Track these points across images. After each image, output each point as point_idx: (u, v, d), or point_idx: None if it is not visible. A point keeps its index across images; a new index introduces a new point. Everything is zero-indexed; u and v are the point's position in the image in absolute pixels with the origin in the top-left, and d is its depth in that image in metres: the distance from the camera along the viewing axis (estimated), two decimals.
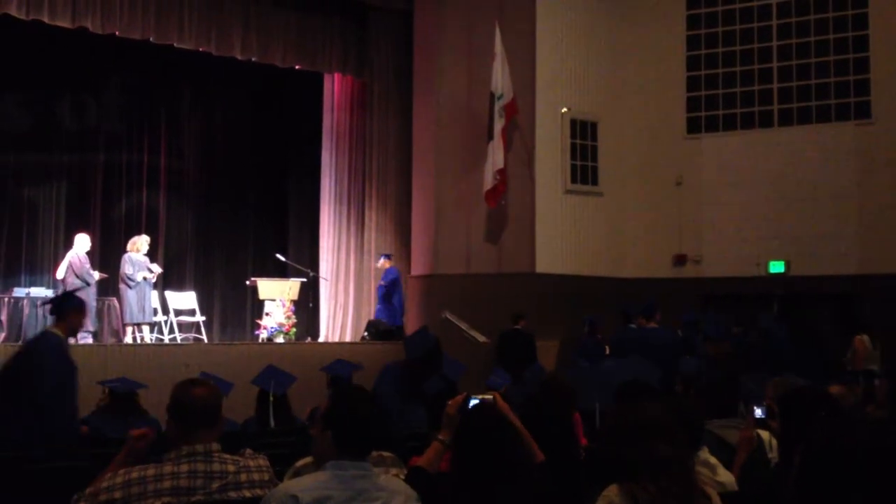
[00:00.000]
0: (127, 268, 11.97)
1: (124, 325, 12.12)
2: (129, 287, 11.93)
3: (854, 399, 4.71)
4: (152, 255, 12.60)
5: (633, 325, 10.88)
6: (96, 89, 13.78)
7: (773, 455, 4.24)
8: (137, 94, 14.11)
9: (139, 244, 12.21)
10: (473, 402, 3.77)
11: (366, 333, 13.62)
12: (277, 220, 15.28)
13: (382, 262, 13.87)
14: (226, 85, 14.46)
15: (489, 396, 3.83)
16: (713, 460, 3.74)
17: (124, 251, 12.25)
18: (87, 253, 11.78)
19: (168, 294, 12.97)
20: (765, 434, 4.37)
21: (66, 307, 6.12)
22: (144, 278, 12.06)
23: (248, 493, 3.30)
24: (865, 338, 8.74)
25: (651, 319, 10.91)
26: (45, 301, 9.38)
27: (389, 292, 13.62)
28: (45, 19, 11.88)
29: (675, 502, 2.75)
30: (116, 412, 5.87)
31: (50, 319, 11.75)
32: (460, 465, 3.43)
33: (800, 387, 3.87)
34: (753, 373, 7.17)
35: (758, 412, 4.18)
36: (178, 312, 13.02)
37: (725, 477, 3.65)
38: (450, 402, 3.85)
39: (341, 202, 14.87)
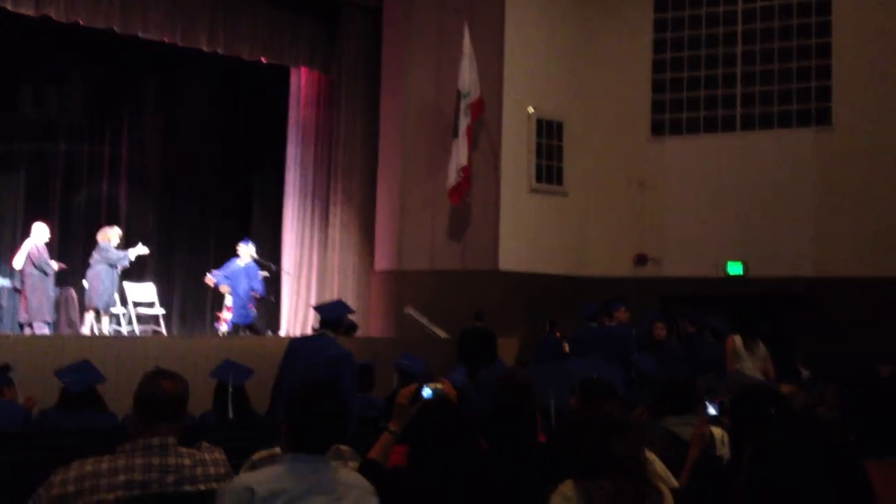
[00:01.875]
0: (113, 252, 11.94)
1: (85, 310, 11.99)
2: (123, 267, 12.03)
3: (804, 399, 4.80)
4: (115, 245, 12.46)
5: (593, 324, 10.95)
6: (59, 79, 13.60)
7: (725, 451, 4.31)
8: (100, 85, 13.95)
9: (110, 235, 12.09)
10: (426, 392, 3.78)
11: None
12: (240, 214, 15.17)
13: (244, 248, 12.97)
14: (191, 77, 14.33)
15: (439, 386, 3.85)
16: (651, 456, 3.80)
17: (86, 241, 12.13)
18: (46, 243, 11.63)
19: (127, 285, 12.83)
20: (717, 431, 4.44)
21: None
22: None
23: (203, 487, 3.29)
24: (738, 339, 8.80)
25: (612, 318, 11.00)
26: None
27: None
28: (9, 6, 11.71)
29: (629, 499, 2.79)
30: (74, 405, 5.79)
31: (7, 306, 11.72)
32: (418, 460, 3.45)
33: (752, 385, 3.94)
34: (709, 372, 7.28)
35: (711, 409, 4.25)
36: (136, 304, 12.88)
37: (663, 471, 3.71)
38: (401, 393, 3.86)
39: (305, 197, 14.82)
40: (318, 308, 7.24)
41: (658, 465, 3.73)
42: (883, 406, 3.03)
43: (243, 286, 12.58)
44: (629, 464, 2.89)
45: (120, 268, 12.18)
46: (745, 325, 9.09)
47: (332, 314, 6.57)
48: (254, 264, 12.76)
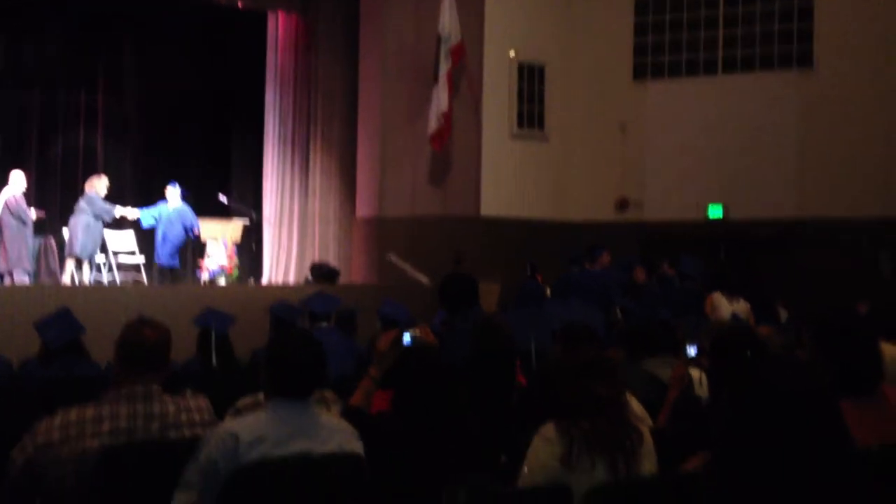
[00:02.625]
0: (99, 203, 11.81)
1: (66, 259, 11.92)
2: (105, 223, 11.91)
3: (782, 341, 4.85)
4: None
5: (575, 269, 11.01)
6: (34, 26, 13.34)
7: (704, 392, 4.37)
8: (75, 32, 13.68)
9: (97, 185, 11.96)
10: (406, 338, 3.81)
11: (309, 276, 13.58)
12: (220, 161, 15.02)
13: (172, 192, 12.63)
14: (167, 24, 14.07)
15: (418, 332, 3.88)
16: (629, 397, 3.85)
17: (63, 190, 12.01)
18: (24, 192, 11.52)
19: (107, 233, 12.72)
20: (696, 372, 4.50)
21: None
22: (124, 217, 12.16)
23: (188, 433, 3.31)
24: (717, 296, 8.64)
25: (595, 263, 11.05)
26: None
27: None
28: None
29: (609, 439, 2.83)
30: (56, 356, 5.78)
31: None
32: (401, 405, 3.48)
33: (730, 327, 3.99)
34: (690, 314, 7.35)
35: (690, 351, 4.30)
36: (116, 253, 12.81)
37: (639, 409, 3.77)
38: (381, 338, 3.89)
39: (285, 144, 14.69)
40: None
41: (635, 405, 3.78)
42: (854, 345, 3.07)
43: (175, 230, 12.35)
44: (609, 406, 2.93)
45: (105, 220, 12.06)
46: (725, 281, 9.11)
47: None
48: (186, 206, 12.54)
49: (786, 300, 10.41)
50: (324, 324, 6.77)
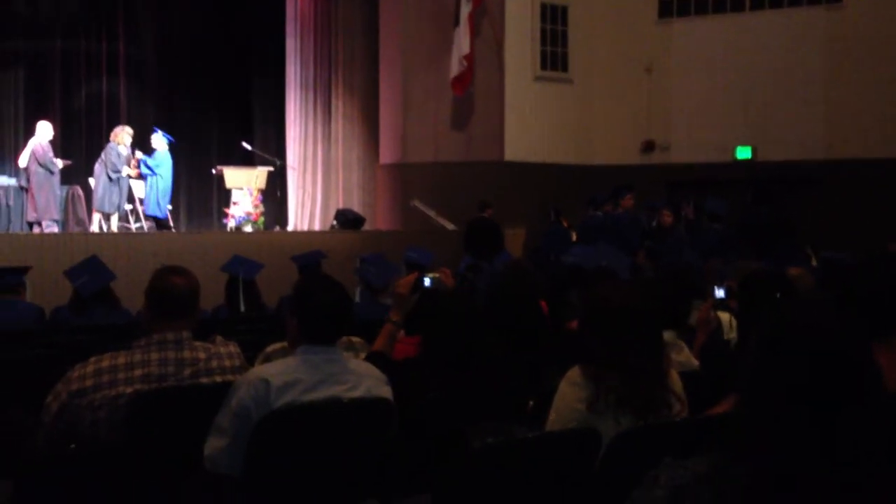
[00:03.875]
0: (113, 156, 11.78)
1: (92, 212, 12.01)
2: (111, 179, 11.77)
3: (812, 282, 4.81)
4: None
5: (599, 213, 10.95)
6: None
7: (733, 335, 4.35)
8: None
9: (121, 137, 11.97)
10: (426, 282, 3.80)
11: (335, 222, 13.61)
12: (242, 109, 15.02)
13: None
14: None
15: (437, 275, 3.88)
16: (679, 342, 3.81)
17: (87, 139, 12.04)
18: (50, 141, 11.57)
19: (132, 183, 12.80)
20: (725, 315, 4.47)
21: None
22: (129, 175, 11.90)
23: (219, 379, 3.34)
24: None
25: (618, 205, 10.99)
26: None
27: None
28: None
29: (637, 390, 2.78)
30: (87, 304, 5.84)
31: (13, 205, 11.72)
32: (429, 351, 3.50)
33: (759, 269, 3.94)
34: (717, 257, 7.30)
35: (718, 293, 4.27)
36: (143, 201, 12.88)
37: (687, 357, 3.74)
38: (400, 283, 3.88)
39: (307, 90, 14.63)
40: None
41: (685, 351, 3.72)
42: (880, 285, 3.01)
43: (166, 179, 12.20)
44: (641, 350, 2.82)
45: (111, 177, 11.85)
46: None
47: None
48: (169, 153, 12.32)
49: (815, 241, 10.32)
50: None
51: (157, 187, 12.17)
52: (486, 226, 11.91)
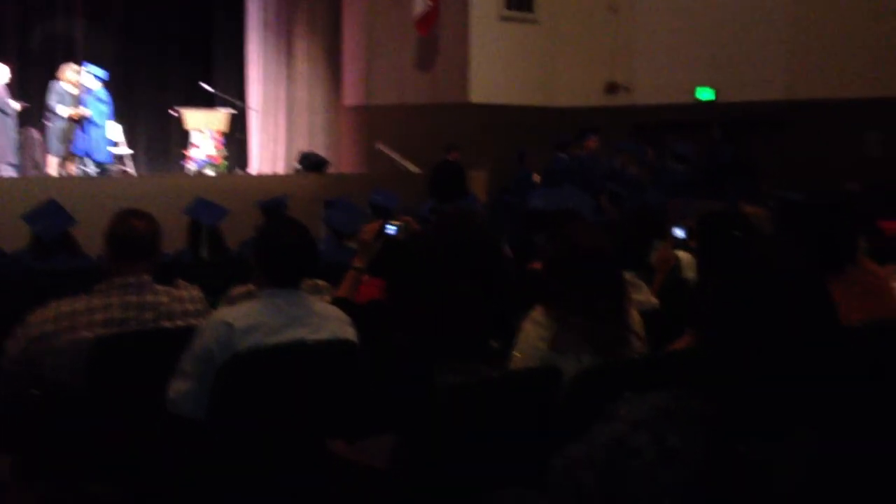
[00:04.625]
0: (51, 98, 11.48)
1: (46, 156, 11.77)
2: (47, 121, 11.50)
3: (768, 220, 4.85)
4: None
5: (563, 155, 10.95)
6: None
7: (692, 274, 4.40)
8: None
9: (66, 74, 11.64)
10: (390, 229, 3.80)
11: (298, 165, 13.50)
12: (201, 48, 14.70)
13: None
14: None
15: (401, 222, 3.88)
16: (639, 281, 3.85)
17: (45, 81, 11.75)
18: (6, 84, 11.28)
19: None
20: (684, 255, 4.52)
21: None
22: (71, 118, 11.45)
23: (181, 323, 3.34)
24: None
25: (583, 148, 11.00)
26: None
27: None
28: None
29: (600, 329, 2.82)
30: (47, 249, 5.76)
31: None
32: (391, 295, 3.50)
33: (717, 208, 3.98)
34: (678, 197, 7.34)
35: (678, 233, 4.30)
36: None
37: (646, 296, 3.79)
38: (364, 228, 3.88)
39: (268, 29, 14.37)
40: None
41: (644, 290, 3.76)
42: (828, 221, 3.07)
43: (98, 121, 11.67)
44: (604, 289, 2.85)
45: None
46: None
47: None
48: (104, 90, 11.87)
49: (776, 181, 10.41)
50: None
51: (96, 125, 11.65)
52: (449, 169, 11.89)
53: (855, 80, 12.37)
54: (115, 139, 12.75)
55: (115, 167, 12.67)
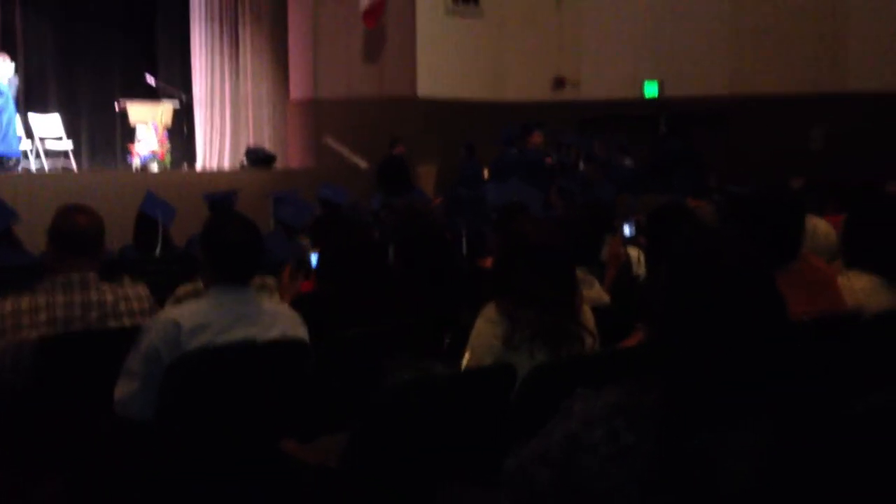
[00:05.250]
0: None
1: None
2: None
3: (712, 214, 4.90)
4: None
5: (511, 149, 10.99)
6: None
7: (642, 271, 4.45)
8: None
9: None
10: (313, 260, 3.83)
11: (244, 160, 13.35)
12: (145, 38, 14.42)
13: None
14: None
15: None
16: (590, 277, 3.87)
17: None
18: None
19: (32, 117, 12.26)
20: (633, 251, 4.56)
21: None
22: None
23: (127, 322, 3.28)
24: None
25: (527, 143, 11.04)
26: None
27: None
28: None
29: (552, 323, 2.83)
30: None
31: None
32: (342, 290, 3.49)
33: (665, 203, 4.02)
34: (629, 193, 7.41)
35: (626, 229, 4.34)
36: (43, 139, 12.37)
37: (598, 292, 3.81)
38: (282, 273, 3.87)
39: (213, 20, 14.16)
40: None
41: (596, 286, 3.78)
42: (773, 216, 3.12)
43: (9, 110, 11.08)
44: (558, 306, 2.86)
45: None
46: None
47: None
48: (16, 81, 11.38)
49: (721, 176, 10.57)
50: None
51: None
52: (394, 163, 11.91)
53: (797, 75, 12.61)
54: (57, 133, 12.47)
55: (59, 161, 12.38)
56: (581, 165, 10.58)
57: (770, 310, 1.75)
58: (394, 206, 7.37)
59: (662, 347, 1.79)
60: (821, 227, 3.57)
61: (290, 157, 14.20)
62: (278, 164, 13.33)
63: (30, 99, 12.97)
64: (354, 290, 3.43)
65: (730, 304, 1.72)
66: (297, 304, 3.42)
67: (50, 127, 12.52)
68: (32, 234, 4.89)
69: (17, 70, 11.73)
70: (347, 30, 13.49)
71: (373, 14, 13.04)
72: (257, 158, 13.04)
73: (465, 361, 2.86)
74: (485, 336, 2.83)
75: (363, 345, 3.28)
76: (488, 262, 4.18)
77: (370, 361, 3.03)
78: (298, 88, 14.23)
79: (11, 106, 11.20)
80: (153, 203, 6.07)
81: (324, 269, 3.48)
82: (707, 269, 1.76)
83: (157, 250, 5.81)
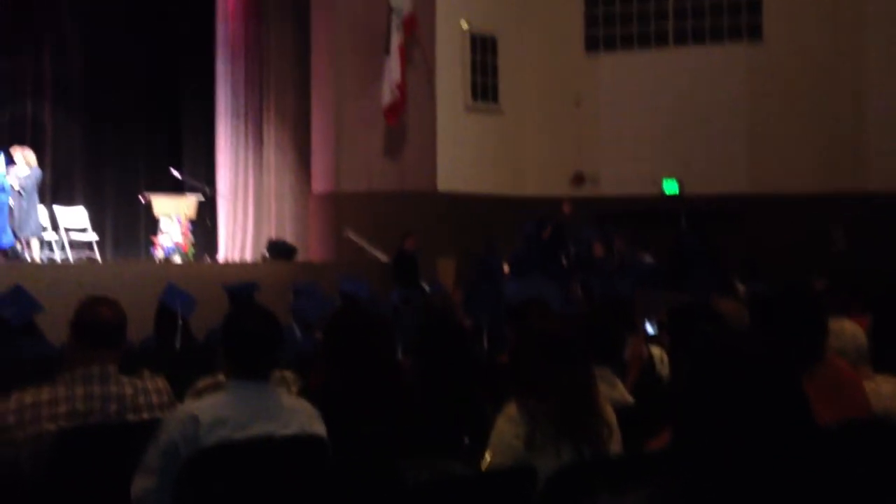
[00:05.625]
0: None
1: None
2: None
3: (745, 316, 4.85)
4: (41, 167, 12.02)
5: (530, 244, 11.02)
6: None
7: (665, 370, 4.39)
8: (19, 0, 13.32)
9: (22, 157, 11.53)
10: None
11: (266, 252, 13.45)
12: (171, 134, 14.73)
13: None
14: None
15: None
16: (613, 377, 3.83)
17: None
18: None
19: (57, 209, 12.47)
20: (656, 350, 4.51)
21: None
22: None
23: (146, 416, 3.26)
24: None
25: (541, 238, 11.08)
26: None
27: None
28: None
29: (575, 426, 2.79)
30: (9, 336, 5.65)
31: None
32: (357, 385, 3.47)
33: (687, 301, 4.00)
34: (649, 289, 7.40)
35: (649, 328, 4.31)
36: (68, 230, 12.55)
37: (621, 392, 3.76)
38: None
39: (238, 117, 14.47)
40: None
41: (619, 386, 3.73)
42: (798, 319, 3.09)
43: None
44: (576, 391, 2.84)
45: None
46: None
47: None
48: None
49: (741, 274, 10.53)
50: None
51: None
52: (403, 257, 12.04)
53: (817, 174, 12.67)
54: (82, 224, 12.64)
55: (83, 253, 12.52)
56: (600, 258, 10.58)
57: (795, 413, 1.72)
58: (412, 301, 7.38)
59: (685, 450, 1.77)
60: (847, 328, 3.52)
61: (312, 250, 14.29)
62: (299, 257, 13.41)
63: (56, 192, 13.22)
64: (359, 384, 3.41)
65: (753, 407, 1.69)
66: (308, 396, 3.40)
67: (75, 219, 12.73)
68: (55, 325, 4.91)
69: (45, 164, 11.98)
70: (369, 126, 13.74)
71: (394, 111, 13.29)
72: (279, 251, 13.14)
73: (485, 461, 2.82)
74: (506, 436, 2.79)
75: (380, 442, 3.24)
76: (504, 359, 4.17)
77: (387, 460, 2.99)
78: (320, 182, 14.43)
79: (31, 197, 11.37)
80: (173, 294, 6.10)
81: (328, 362, 3.48)
82: (729, 370, 1.74)
83: (177, 342, 5.82)
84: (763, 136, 13.24)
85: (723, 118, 13.43)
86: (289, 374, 3.90)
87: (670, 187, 13.72)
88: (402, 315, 5.99)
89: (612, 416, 2.94)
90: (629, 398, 3.75)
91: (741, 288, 9.73)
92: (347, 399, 3.35)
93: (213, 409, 2.96)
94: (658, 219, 13.08)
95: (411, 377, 3.91)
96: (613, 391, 3.60)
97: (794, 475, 1.67)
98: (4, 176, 11.19)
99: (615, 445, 2.87)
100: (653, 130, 13.81)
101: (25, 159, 11.52)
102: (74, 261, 12.25)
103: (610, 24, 14.24)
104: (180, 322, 5.84)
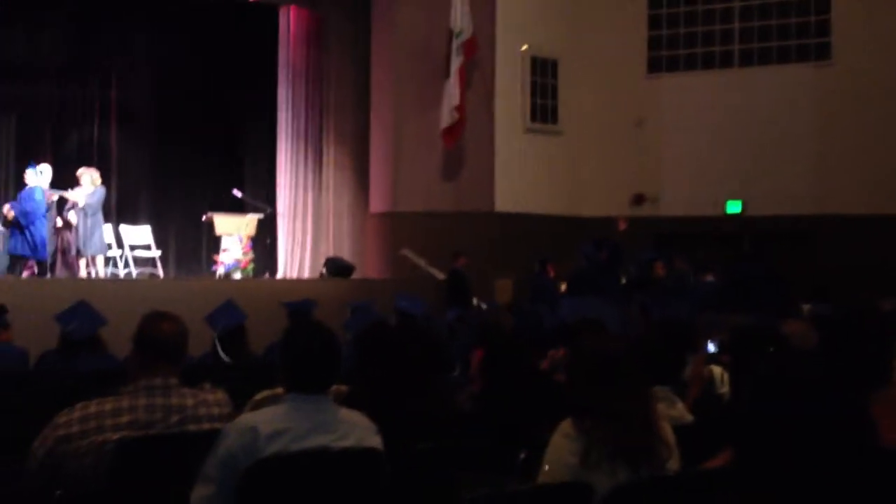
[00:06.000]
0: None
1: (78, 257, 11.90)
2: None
3: (815, 338, 4.74)
4: (107, 188, 12.35)
5: (588, 264, 10.94)
6: (45, 20, 13.39)
7: (725, 390, 4.33)
8: (87, 26, 13.72)
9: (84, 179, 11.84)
10: None
11: (324, 270, 13.58)
12: (234, 156, 15.06)
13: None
14: (179, 18, 14.10)
15: None
16: (673, 396, 3.78)
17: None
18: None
19: (123, 228, 12.79)
20: (717, 369, 4.45)
21: None
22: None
23: (207, 426, 3.30)
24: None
25: (600, 258, 10.98)
26: None
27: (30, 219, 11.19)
28: None
29: (629, 438, 2.77)
30: (75, 349, 5.79)
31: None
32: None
33: (751, 323, 3.95)
34: (711, 310, 7.29)
35: (710, 347, 4.26)
36: (133, 247, 12.85)
37: (681, 411, 3.71)
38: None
39: (298, 138, 14.70)
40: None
41: (678, 405, 3.68)
42: (864, 341, 3.02)
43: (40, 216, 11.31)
44: (631, 403, 2.81)
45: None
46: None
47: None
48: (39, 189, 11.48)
49: (806, 295, 10.32)
50: None
51: (36, 226, 11.28)
52: (455, 277, 12.13)
53: (884, 195, 12.42)
54: (145, 241, 12.93)
55: (146, 269, 12.80)
56: (660, 278, 10.46)
57: (859, 435, 1.69)
58: (466, 319, 7.39)
59: (747, 470, 1.74)
60: None
61: (368, 268, 14.41)
62: (356, 275, 13.52)
63: (122, 211, 13.56)
64: (386, 396, 3.43)
65: (816, 429, 1.66)
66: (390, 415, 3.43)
67: (140, 236, 13.03)
68: (119, 339, 5.02)
69: (111, 185, 12.30)
70: (427, 147, 13.83)
71: (452, 134, 13.37)
72: (336, 268, 13.26)
73: (540, 478, 2.80)
74: (562, 453, 2.77)
75: (437, 458, 3.24)
76: (545, 364, 4.18)
77: (444, 475, 2.99)
78: (378, 202, 14.55)
79: (96, 215, 11.67)
80: (220, 311, 6.18)
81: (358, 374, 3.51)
82: (792, 392, 1.72)
83: (225, 358, 5.89)
84: (830, 157, 13.02)
85: (789, 139, 13.24)
86: (344, 389, 3.92)
87: (733, 208, 13.55)
88: (456, 333, 5.99)
89: (670, 435, 2.90)
90: (689, 416, 3.69)
91: (806, 309, 9.53)
92: (420, 422, 3.36)
93: (272, 420, 2.99)
94: (721, 240, 12.91)
95: (466, 392, 3.92)
96: (672, 410, 3.55)
97: (856, 496, 1.64)
98: (42, 191, 11.44)
99: (673, 464, 2.83)
100: (716, 151, 13.66)
101: (91, 179, 11.83)
102: (138, 277, 12.51)
103: (673, 45, 14.15)
104: (225, 334, 5.90)
